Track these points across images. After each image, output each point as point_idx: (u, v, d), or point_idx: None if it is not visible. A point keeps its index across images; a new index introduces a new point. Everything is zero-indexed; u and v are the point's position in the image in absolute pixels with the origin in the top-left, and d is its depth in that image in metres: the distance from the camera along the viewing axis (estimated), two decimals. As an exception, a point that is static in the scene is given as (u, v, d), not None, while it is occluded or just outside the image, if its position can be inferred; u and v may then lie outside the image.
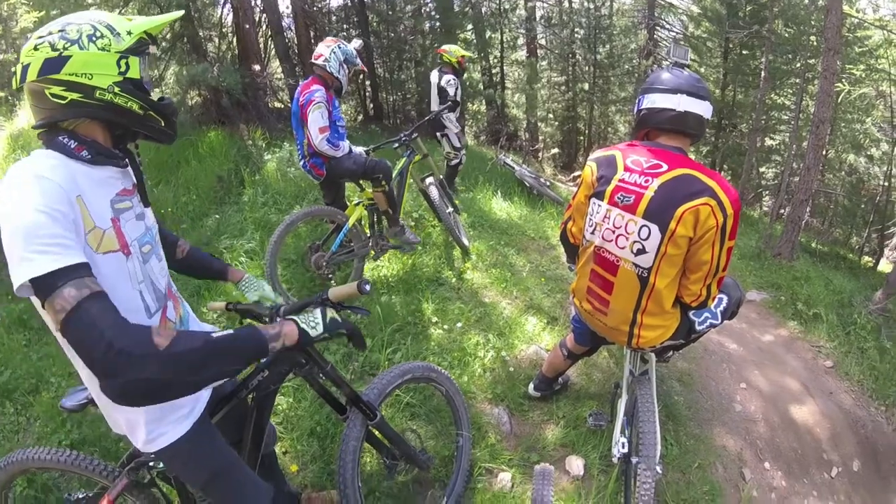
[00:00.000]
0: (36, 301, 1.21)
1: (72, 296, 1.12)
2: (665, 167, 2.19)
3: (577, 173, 13.05)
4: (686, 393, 3.83)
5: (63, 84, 1.29)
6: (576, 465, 2.99)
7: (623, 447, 2.49)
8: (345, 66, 4.10)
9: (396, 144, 4.73)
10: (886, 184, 11.80)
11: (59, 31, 1.31)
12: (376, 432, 2.28)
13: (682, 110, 2.17)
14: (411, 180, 4.90)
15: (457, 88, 6.55)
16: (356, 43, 4.38)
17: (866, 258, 11.67)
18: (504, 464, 2.97)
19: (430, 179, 4.95)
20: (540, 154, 14.55)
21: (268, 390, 1.90)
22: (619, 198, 2.28)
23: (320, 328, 1.57)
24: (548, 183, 8.67)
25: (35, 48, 1.30)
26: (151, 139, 1.53)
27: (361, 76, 13.03)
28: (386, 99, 14.34)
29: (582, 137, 17.25)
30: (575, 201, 2.58)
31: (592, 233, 2.43)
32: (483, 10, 13.84)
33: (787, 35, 11.26)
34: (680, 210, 2.10)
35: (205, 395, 1.72)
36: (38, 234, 1.14)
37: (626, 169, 2.28)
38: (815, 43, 10.38)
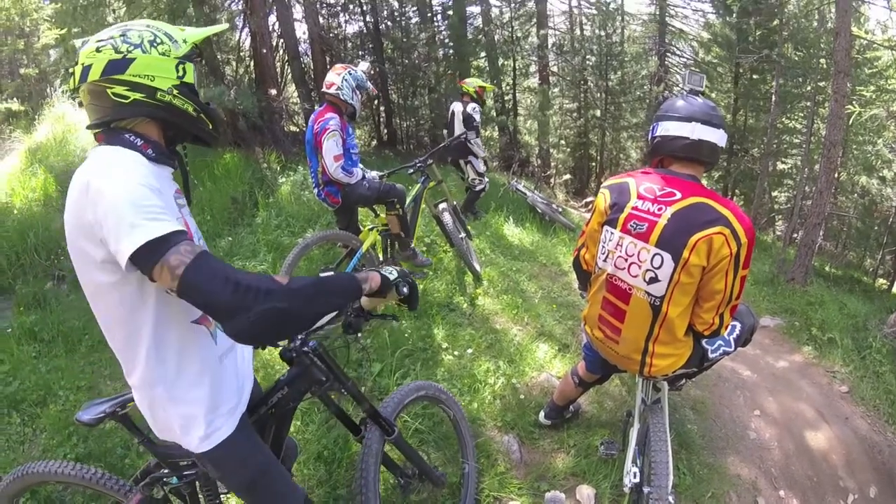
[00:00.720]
0: (130, 279, 1.31)
1: (188, 251, 1.22)
2: (678, 195, 2.19)
3: (589, 199, 13.07)
4: (699, 421, 3.79)
5: (127, 84, 1.38)
6: (586, 494, 2.95)
7: (635, 477, 2.45)
8: (357, 92, 4.13)
9: (411, 170, 4.78)
10: (899, 205, 11.73)
11: (121, 35, 1.40)
12: (390, 450, 2.31)
13: (696, 138, 2.18)
14: (425, 206, 4.95)
15: (480, 115, 6.88)
16: (364, 65, 4.44)
17: (881, 280, 11.57)
18: (513, 493, 2.94)
19: (443, 205, 4.99)
20: (552, 180, 14.62)
21: (286, 407, 1.94)
22: (631, 225, 2.28)
23: (395, 274, 1.70)
24: (560, 209, 8.70)
25: (97, 50, 1.37)
26: (199, 141, 1.63)
27: (376, 102, 13.20)
28: (400, 125, 14.51)
29: (594, 163, 17.29)
30: (588, 228, 2.58)
31: (605, 260, 2.43)
32: (496, 37, 14.05)
33: (796, 59, 11.31)
34: (693, 239, 2.09)
35: (247, 392, 1.76)
36: (145, 205, 1.23)
37: (640, 197, 2.29)
38: (824, 66, 10.42)
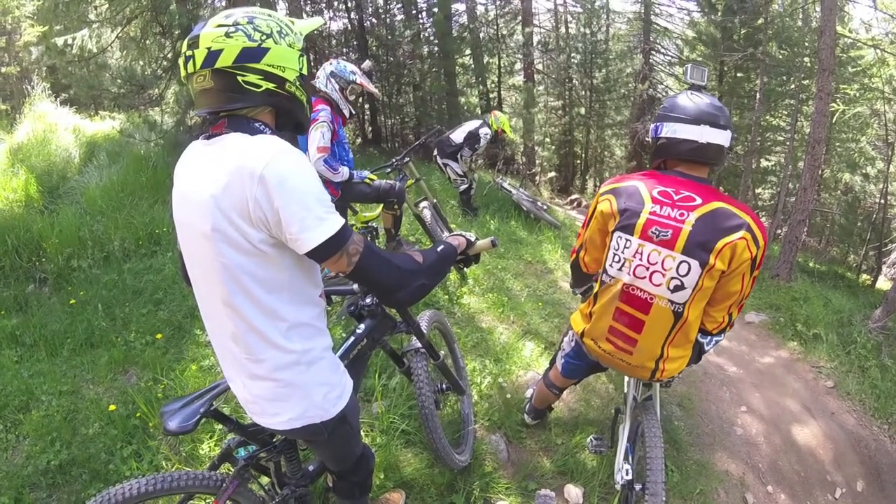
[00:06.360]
0: (276, 261, 1.42)
1: (359, 240, 1.43)
2: (699, 200, 2.10)
3: (573, 197, 13.09)
4: (686, 418, 3.78)
5: (261, 73, 1.38)
6: (574, 493, 2.93)
7: (627, 474, 2.42)
8: (332, 80, 3.94)
9: (389, 169, 4.75)
10: (882, 201, 11.85)
11: (248, 22, 1.38)
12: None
13: (705, 142, 2.10)
14: (406, 204, 4.89)
15: (486, 144, 7.08)
16: (365, 65, 4.32)
17: (864, 276, 11.66)
18: (501, 493, 2.91)
19: (424, 203, 4.96)
20: (537, 178, 14.58)
21: (365, 356, 2.24)
22: (653, 232, 2.15)
23: (473, 236, 1.99)
24: (545, 207, 8.68)
25: (227, 35, 1.34)
26: (297, 130, 1.65)
27: (360, 99, 13.11)
28: (384, 122, 14.43)
29: (579, 161, 17.36)
30: (588, 232, 2.45)
31: (620, 269, 2.28)
32: (481, 35, 13.98)
33: (781, 57, 11.37)
34: (719, 244, 2.03)
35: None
36: (325, 199, 1.37)
37: (655, 201, 2.16)
38: (809, 64, 10.47)
